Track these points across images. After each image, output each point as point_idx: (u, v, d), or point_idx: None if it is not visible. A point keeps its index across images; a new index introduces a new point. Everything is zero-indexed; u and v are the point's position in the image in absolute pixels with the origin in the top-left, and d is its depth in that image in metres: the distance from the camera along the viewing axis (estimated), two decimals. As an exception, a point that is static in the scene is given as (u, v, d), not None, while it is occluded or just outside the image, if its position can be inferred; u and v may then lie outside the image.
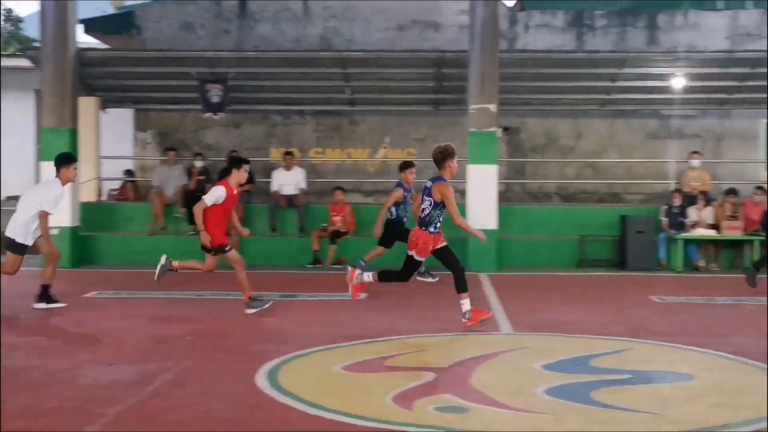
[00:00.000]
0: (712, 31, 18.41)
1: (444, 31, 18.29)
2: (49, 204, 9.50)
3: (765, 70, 15.61)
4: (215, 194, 9.34)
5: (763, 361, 6.87)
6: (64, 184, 9.76)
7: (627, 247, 14.43)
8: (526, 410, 5.46)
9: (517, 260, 14.55)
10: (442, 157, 8.59)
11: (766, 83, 15.92)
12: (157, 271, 9.65)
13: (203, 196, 9.49)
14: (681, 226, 14.58)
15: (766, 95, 16.30)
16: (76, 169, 10.06)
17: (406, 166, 11.95)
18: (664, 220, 14.74)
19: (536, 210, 16.37)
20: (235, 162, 9.73)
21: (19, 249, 9.53)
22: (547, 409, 5.50)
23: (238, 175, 9.50)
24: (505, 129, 17.48)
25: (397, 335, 8.05)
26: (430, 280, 12.16)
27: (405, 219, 11.75)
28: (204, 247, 9.46)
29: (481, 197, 14.16)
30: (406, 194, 11.74)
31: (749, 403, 5.67)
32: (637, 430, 5.09)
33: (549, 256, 14.92)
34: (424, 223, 8.62)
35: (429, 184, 8.67)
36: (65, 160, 9.87)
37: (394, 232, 11.59)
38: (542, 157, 18.44)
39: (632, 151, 18.41)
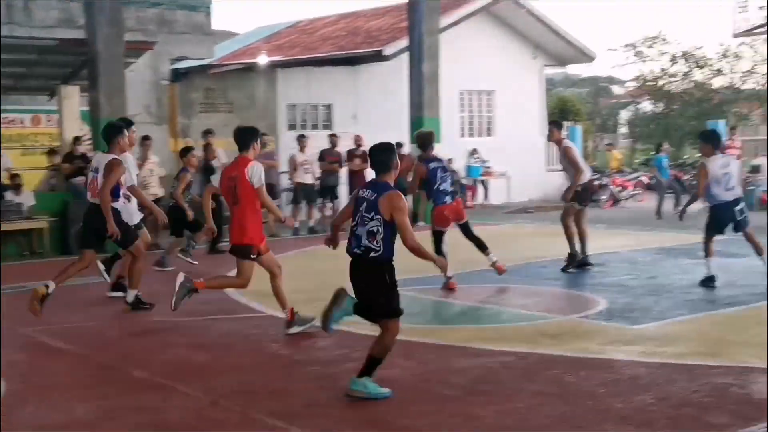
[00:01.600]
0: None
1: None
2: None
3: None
4: (260, 171, 7.72)
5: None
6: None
7: None
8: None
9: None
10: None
11: None
12: (174, 298, 7.63)
13: (251, 178, 7.62)
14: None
15: None
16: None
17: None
18: None
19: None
20: (253, 133, 8.03)
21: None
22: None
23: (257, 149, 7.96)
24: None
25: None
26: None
27: None
28: (240, 252, 7.84)
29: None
30: None
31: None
32: None
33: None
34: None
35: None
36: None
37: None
38: None
39: None
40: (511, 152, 23.80)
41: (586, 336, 7.82)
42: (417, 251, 6.05)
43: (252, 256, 7.80)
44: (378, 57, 21.43)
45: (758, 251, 10.51)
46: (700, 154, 11.44)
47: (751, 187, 20.74)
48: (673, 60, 34.67)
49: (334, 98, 21.68)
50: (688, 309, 8.90)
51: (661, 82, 35.25)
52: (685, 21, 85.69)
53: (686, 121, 33.15)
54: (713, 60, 34.22)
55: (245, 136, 7.96)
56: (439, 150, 19.01)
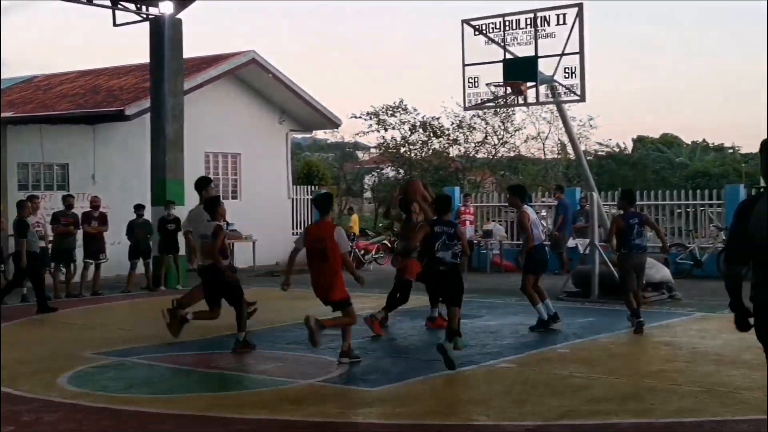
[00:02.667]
0: None
1: None
2: None
3: None
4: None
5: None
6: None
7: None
8: None
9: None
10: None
11: None
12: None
13: (340, 242, 9.16)
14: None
15: None
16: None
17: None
18: None
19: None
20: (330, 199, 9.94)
21: None
22: None
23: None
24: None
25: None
26: None
27: None
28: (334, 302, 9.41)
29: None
30: None
31: None
32: None
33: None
34: None
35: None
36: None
37: None
38: None
39: None
40: (257, 215, 23.76)
41: (326, 400, 7.81)
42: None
43: None
44: (119, 116, 20.82)
45: (540, 297, 11.73)
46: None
47: (484, 251, 21.95)
48: (413, 129, 36.28)
49: (71, 158, 20.75)
50: (424, 370, 9.14)
51: (402, 150, 36.72)
52: (424, 91, 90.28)
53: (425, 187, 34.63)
54: (449, 130, 36.15)
55: None
56: (182, 212, 18.75)
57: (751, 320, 5.08)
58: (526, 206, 11.83)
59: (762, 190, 5.30)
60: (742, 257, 5.11)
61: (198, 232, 11.21)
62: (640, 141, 54.02)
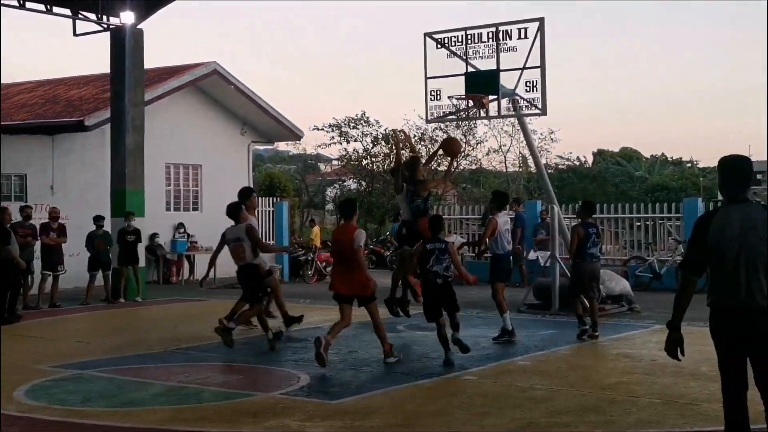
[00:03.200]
0: None
1: None
2: None
3: None
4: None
5: None
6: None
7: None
8: None
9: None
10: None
11: None
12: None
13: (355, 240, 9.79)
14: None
15: None
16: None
17: None
18: None
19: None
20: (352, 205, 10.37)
21: None
22: None
23: None
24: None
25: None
26: None
27: None
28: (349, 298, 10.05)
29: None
30: None
31: None
32: None
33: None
34: None
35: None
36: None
37: None
38: None
39: None
40: (218, 227, 23.53)
41: (286, 413, 7.76)
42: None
43: None
44: (79, 127, 20.62)
45: (503, 309, 11.80)
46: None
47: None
48: (375, 141, 36.34)
49: (29, 168, 20.50)
50: (385, 382, 9.13)
51: (364, 162, 36.75)
52: (387, 104, 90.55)
53: (387, 200, 34.69)
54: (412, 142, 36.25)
55: None
56: (142, 224, 18.63)
57: (680, 349, 5.37)
58: (500, 214, 12.11)
59: (720, 204, 5.47)
60: (698, 266, 5.35)
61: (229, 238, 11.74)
62: (600, 154, 54.58)
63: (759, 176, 44.57)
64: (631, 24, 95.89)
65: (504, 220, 12.22)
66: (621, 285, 15.47)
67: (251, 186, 19.28)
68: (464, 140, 36.41)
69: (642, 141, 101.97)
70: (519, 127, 21.58)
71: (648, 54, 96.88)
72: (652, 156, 55.83)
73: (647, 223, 21.14)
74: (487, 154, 38.69)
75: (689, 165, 54.36)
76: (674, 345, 5.36)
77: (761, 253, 5.09)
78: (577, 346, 11.58)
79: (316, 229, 26.96)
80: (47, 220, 17.22)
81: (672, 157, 56.29)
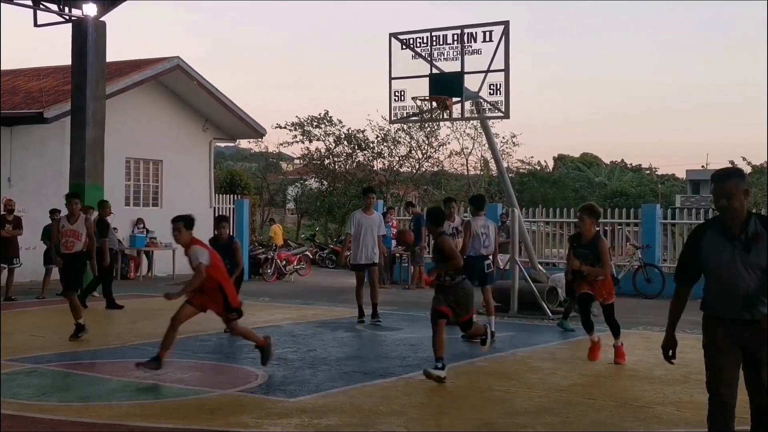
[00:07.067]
0: None
1: None
2: None
3: None
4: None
5: None
6: None
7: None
8: None
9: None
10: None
11: None
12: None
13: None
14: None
15: None
16: None
17: None
18: None
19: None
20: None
21: None
22: None
23: None
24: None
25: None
26: None
27: None
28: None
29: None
30: None
31: None
32: None
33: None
34: None
35: None
36: None
37: None
38: None
39: None
40: (177, 223, 23.44)
41: (243, 410, 7.72)
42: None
43: None
44: (38, 119, 20.35)
45: (489, 311, 12.12)
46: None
47: (406, 265, 22.05)
48: (338, 141, 36.32)
49: (-14, 160, 20.22)
50: (343, 381, 9.12)
51: (326, 162, 36.71)
52: (350, 104, 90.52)
53: (349, 200, 34.70)
54: (374, 143, 36.28)
55: None
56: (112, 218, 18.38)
57: (672, 353, 5.47)
58: (478, 218, 12.41)
59: (714, 214, 5.60)
60: (691, 277, 5.45)
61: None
62: (560, 159, 55.08)
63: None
64: (595, 30, 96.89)
65: (482, 223, 12.40)
66: (579, 289, 15.59)
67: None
68: (427, 142, 36.57)
69: (602, 147, 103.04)
70: (482, 130, 21.68)
71: (610, 61, 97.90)
72: (612, 162, 56.45)
73: (606, 228, 21.33)
74: (449, 156, 38.90)
75: (648, 172, 55.06)
76: (667, 348, 5.51)
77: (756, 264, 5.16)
78: (535, 348, 11.66)
79: (276, 227, 26.87)
80: (2, 213, 16.98)
81: (631, 164, 56.98)
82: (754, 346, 5.19)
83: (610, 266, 10.36)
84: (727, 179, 5.27)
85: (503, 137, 37.39)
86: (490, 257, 12.47)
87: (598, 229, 10.66)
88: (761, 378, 5.19)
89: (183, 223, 9.38)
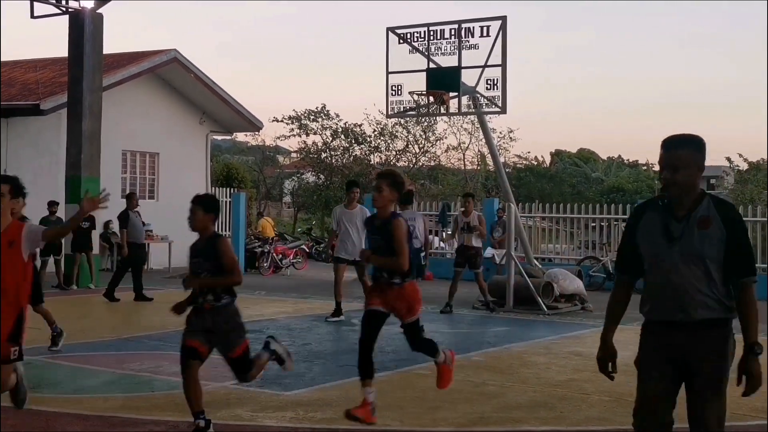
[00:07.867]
0: None
1: None
2: None
3: None
4: None
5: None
6: None
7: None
8: None
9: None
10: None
11: None
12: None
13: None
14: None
15: None
16: None
17: None
18: None
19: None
20: None
21: None
22: None
23: None
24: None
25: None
26: None
27: None
28: None
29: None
30: None
31: None
32: None
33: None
34: None
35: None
36: None
37: None
38: None
39: None
40: (174, 216, 23.34)
41: (238, 403, 7.74)
42: None
43: None
44: (34, 111, 20.32)
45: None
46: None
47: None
48: (335, 135, 36.30)
49: (-18, 151, 20.19)
50: (339, 375, 9.13)
51: (323, 155, 36.69)
52: (347, 98, 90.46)
53: (345, 194, 34.67)
54: (371, 137, 36.28)
55: None
56: (96, 211, 18.40)
57: (611, 365, 4.77)
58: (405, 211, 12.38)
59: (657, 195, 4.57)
60: (630, 267, 4.52)
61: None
62: (557, 155, 55.10)
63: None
64: (592, 26, 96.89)
65: (409, 216, 12.27)
66: (575, 284, 15.63)
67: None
68: (424, 136, 36.56)
69: (599, 143, 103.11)
70: (479, 125, 21.68)
71: (607, 57, 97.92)
72: (608, 158, 56.48)
73: (602, 224, 21.37)
74: (446, 151, 38.91)
75: (645, 167, 55.10)
76: (604, 359, 4.80)
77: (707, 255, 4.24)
78: (530, 343, 11.69)
79: (263, 221, 26.78)
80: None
81: (628, 160, 57.01)
82: (690, 356, 4.30)
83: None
84: (678, 146, 4.25)
85: (500, 132, 37.43)
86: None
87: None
88: (705, 414, 4.31)
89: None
